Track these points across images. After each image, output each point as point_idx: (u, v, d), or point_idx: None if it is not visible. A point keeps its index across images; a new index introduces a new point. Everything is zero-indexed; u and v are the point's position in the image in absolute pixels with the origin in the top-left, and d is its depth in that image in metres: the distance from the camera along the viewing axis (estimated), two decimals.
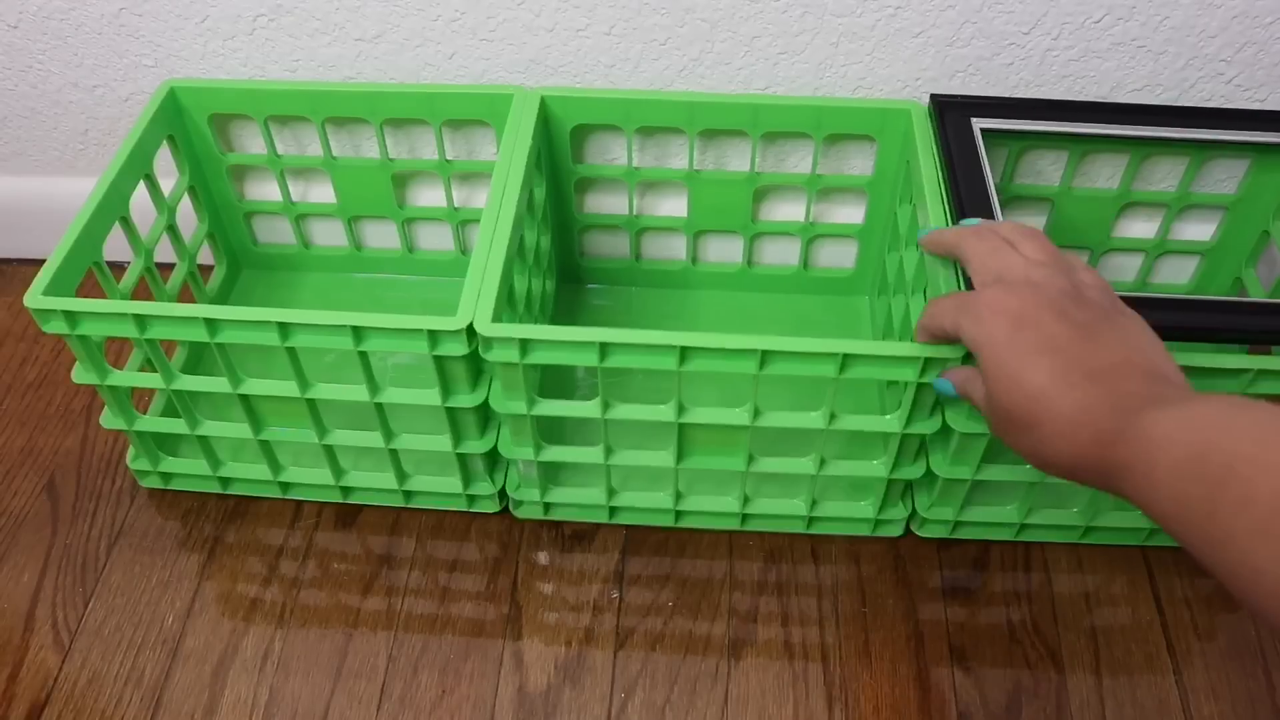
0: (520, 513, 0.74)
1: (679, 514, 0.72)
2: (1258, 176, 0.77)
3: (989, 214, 0.63)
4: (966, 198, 0.64)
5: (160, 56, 0.79)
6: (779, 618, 0.69)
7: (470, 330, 0.59)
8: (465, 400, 0.64)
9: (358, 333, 0.60)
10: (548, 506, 0.72)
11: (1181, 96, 0.75)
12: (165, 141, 0.77)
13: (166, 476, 0.75)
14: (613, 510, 0.72)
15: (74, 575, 0.72)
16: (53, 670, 0.67)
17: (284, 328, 0.60)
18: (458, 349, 0.60)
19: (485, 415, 0.68)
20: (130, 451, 0.75)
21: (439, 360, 0.61)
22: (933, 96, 0.71)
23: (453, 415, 0.65)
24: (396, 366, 0.81)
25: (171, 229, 0.78)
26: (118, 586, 0.71)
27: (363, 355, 0.62)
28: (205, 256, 0.87)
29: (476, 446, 0.68)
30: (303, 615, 0.70)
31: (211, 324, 0.60)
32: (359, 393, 0.64)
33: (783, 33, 0.73)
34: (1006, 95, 0.76)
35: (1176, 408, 0.41)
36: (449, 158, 0.82)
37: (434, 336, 0.59)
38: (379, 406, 0.65)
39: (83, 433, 0.80)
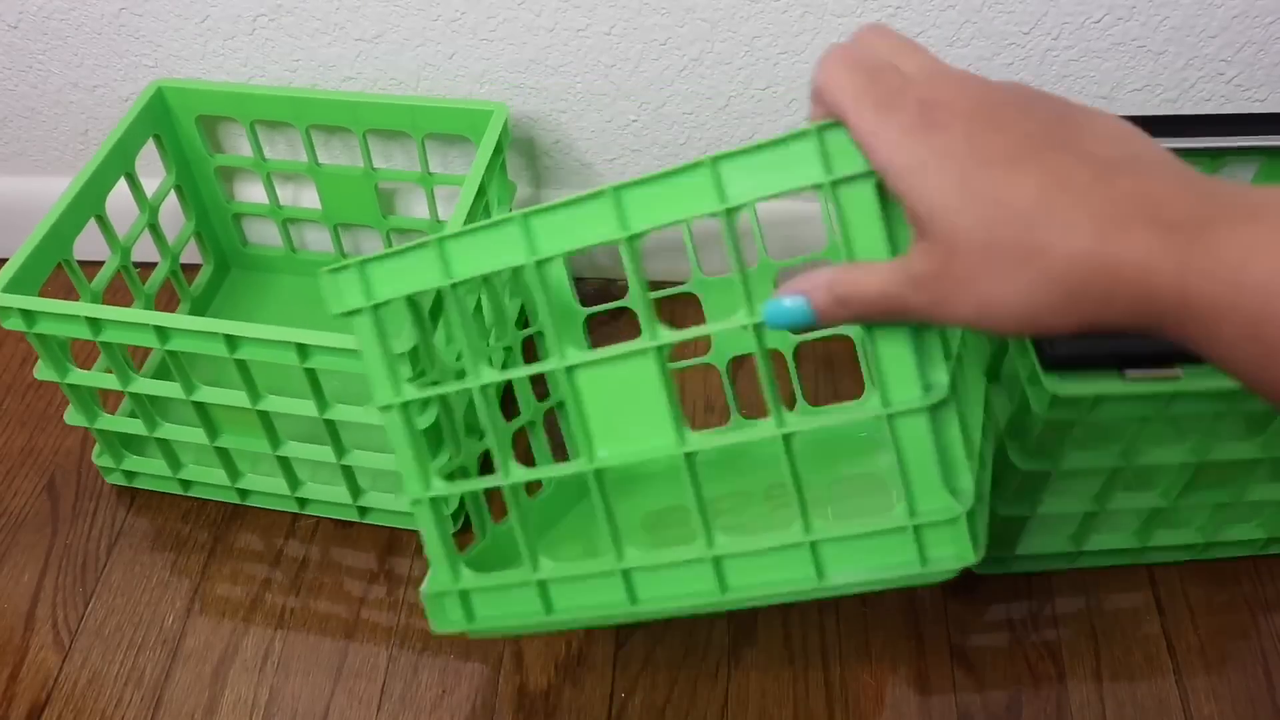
0: None
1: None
2: (1270, 177, 0.77)
3: None
4: None
5: (160, 57, 0.79)
6: (779, 618, 0.69)
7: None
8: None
9: (302, 349, 0.60)
10: None
11: (1181, 96, 0.75)
12: (152, 141, 0.77)
13: (130, 475, 0.75)
14: None
15: (74, 575, 0.72)
16: (53, 670, 0.67)
17: (231, 340, 0.60)
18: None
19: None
20: (96, 448, 0.75)
21: None
22: None
23: None
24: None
25: (153, 227, 0.78)
26: (118, 586, 0.71)
27: (309, 372, 0.61)
28: (195, 256, 0.87)
29: None
30: (303, 615, 0.70)
31: (161, 331, 0.61)
32: (308, 407, 0.64)
33: (783, 33, 0.73)
34: None
35: (1263, 221, 0.28)
36: (443, 170, 0.82)
37: None
38: (329, 422, 0.65)
39: (83, 433, 0.80)
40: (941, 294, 0.34)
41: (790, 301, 0.38)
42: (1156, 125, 0.71)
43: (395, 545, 0.73)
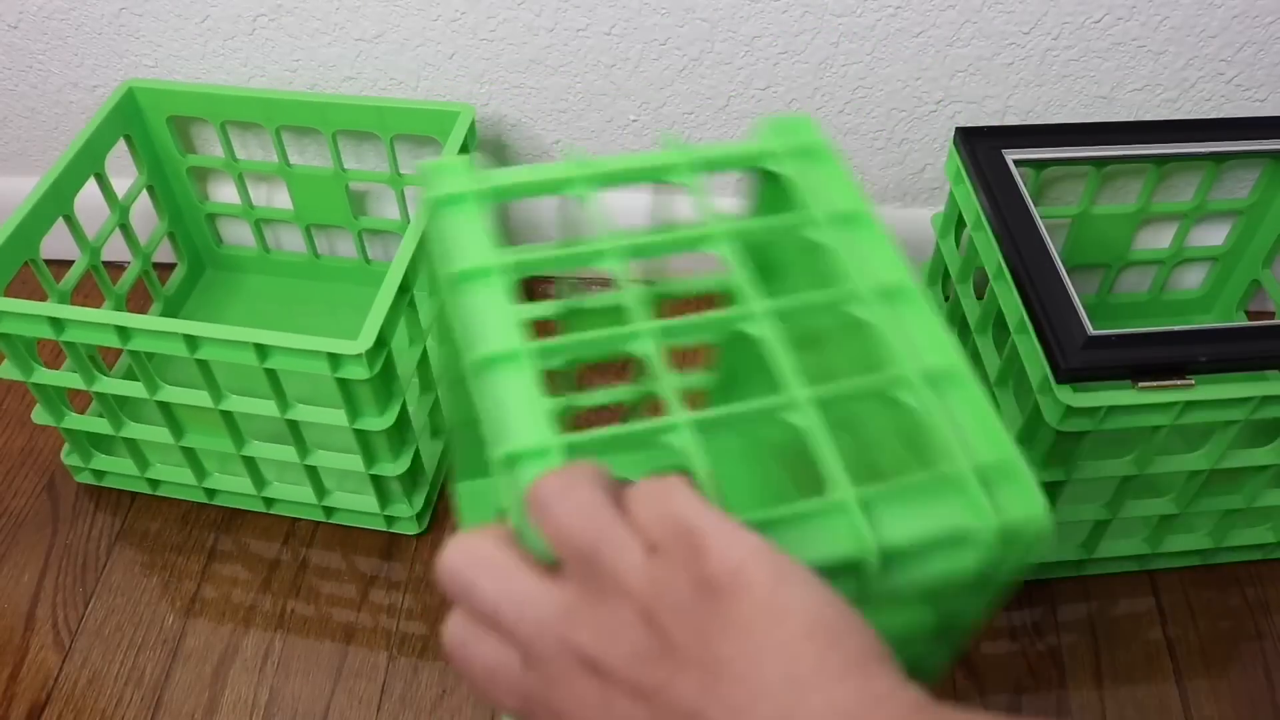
0: None
1: None
2: (1273, 180, 0.77)
3: (1047, 260, 0.61)
4: (1020, 240, 0.62)
5: (160, 56, 0.79)
6: None
7: (373, 353, 0.58)
8: (373, 423, 0.63)
9: (261, 350, 0.60)
10: None
11: (1181, 96, 0.75)
12: (124, 140, 0.77)
13: (99, 474, 0.75)
14: None
15: (74, 575, 0.72)
16: (53, 670, 0.67)
17: (191, 339, 0.60)
18: (359, 372, 0.59)
19: (401, 437, 0.67)
20: (65, 447, 0.75)
21: (342, 383, 0.61)
22: (958, 130, 0.69)
23: (363, 436, 0.65)
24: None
25: (124, 227, 0.78)
26: (118, 586, 0.71)
27: (269, 372, 0.61)
28: (171, 256, 0.87)
29: (390, 469, 0.67)
30: (303, 616, 0.70)
31: (123, 331, 0.61)
32: (269, 407, 0.64)
33: (783, 32, 0.73)
34: (1032, 122, 0.76)
35: None
36: (415, 171, 0.82)
37: (335, 359, 0.59)
38: (291, 422, 0.65)
39: None
40: None
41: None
42: (1159, 129, 0.71)
43: (394, 549, 0.73)
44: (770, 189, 0.48)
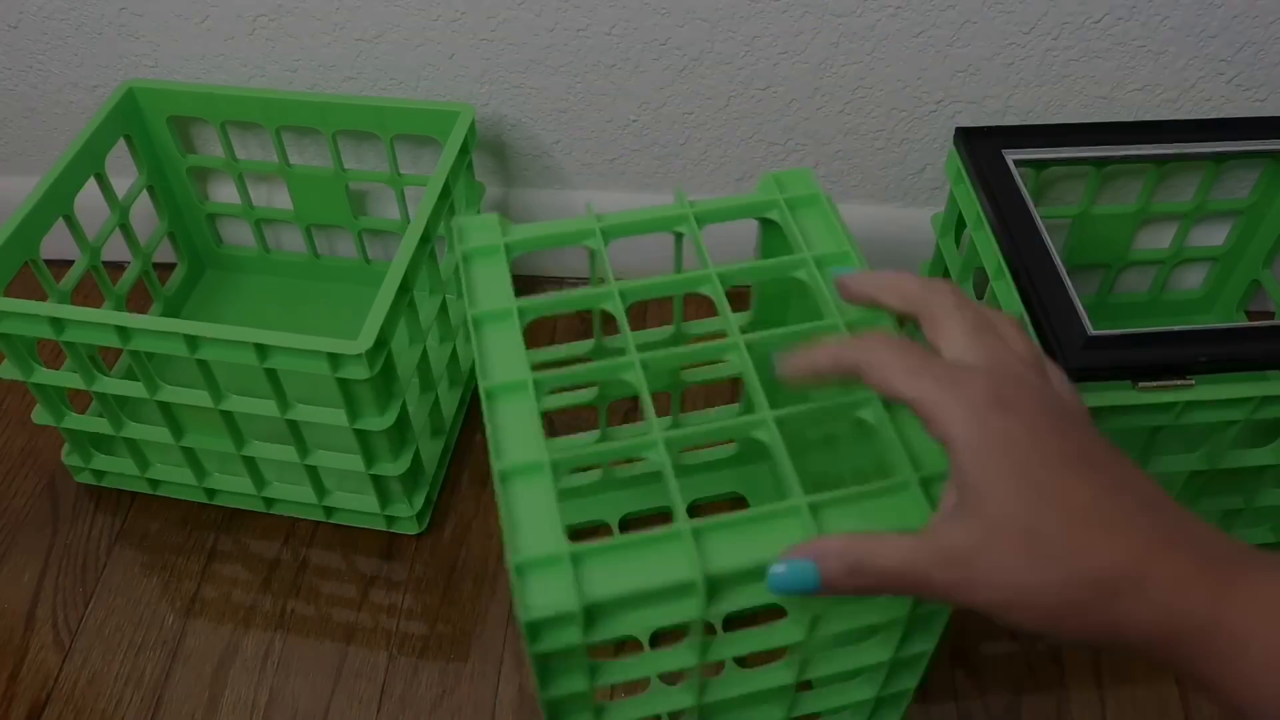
0: None
1: None
2: (1273, 180, 0.77)
3: (1047, 260, 0.61)
4: (1020, 240, 0.62)
5: (160, 56, 0.79)
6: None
7: (373, 353, 0.59)
8: (373, 423, 0.63)
9: (261, 350, 0.60)
10: None
11: (1181, 96, 0.75)
12: (124, 140, 0.77)
13: (99, 474, 0.75)
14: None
15: (74, 575, 0.72)
16: (53, 670, 0.67)
17: (191, 339, 0.60)
18: (359, 372, 0.59)
19: (401, 437, 0.67)
20: (65, 447, 0.75)
21: (342, 383, 0.61)
22: (958, 130, 0.69)
23: (363, 436, 0.65)
24: None
25: (124, 227, 0.78)
26: (118, 586, 0.71)
27: (269, 372, 0.61)
28: (171, 256, 0.87)
29: (390, 469, 0.67)
30: (303, 616, 0.70)
31: (123, 331, 0.61)
32: (269, 407, 0.64)
33: (783, 33, 0.73)
34: (1032, 122, 0.76)
35: None
36: (416, 171, 0.82)
37: (335, 359, 0.59)
38: (291, 422, 0.65)
39: None
40: (971, 575, 0.33)
41: (796, 567, 0.36)
42: (1159, 129, 0.71)
43: (394, 549, 0.73)
44: (773, 234, 0.56)
